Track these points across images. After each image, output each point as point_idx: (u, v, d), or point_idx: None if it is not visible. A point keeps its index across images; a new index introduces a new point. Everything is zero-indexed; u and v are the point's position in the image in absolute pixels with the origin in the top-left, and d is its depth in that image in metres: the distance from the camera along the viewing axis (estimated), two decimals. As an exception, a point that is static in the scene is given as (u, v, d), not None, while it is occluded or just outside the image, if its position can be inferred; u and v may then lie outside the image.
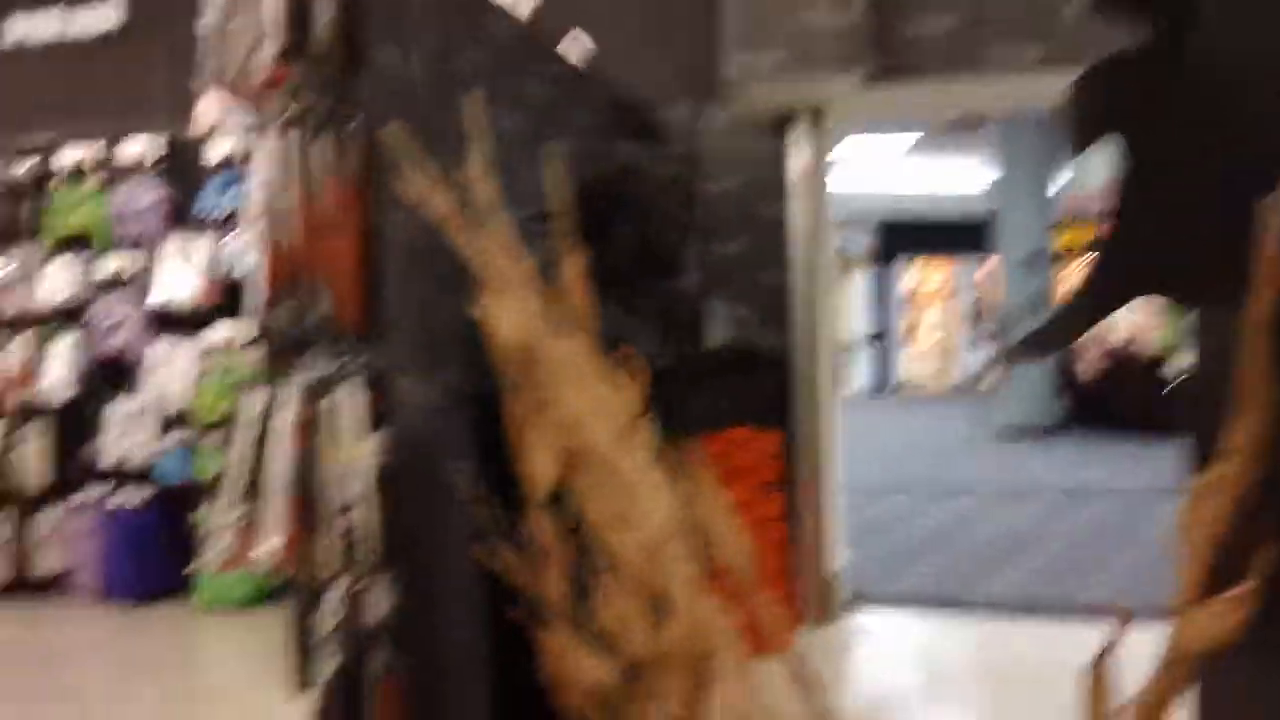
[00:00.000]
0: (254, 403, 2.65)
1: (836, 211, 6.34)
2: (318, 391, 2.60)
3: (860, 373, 22.62)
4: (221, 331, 6.42)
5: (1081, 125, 1.94)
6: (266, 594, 6.39)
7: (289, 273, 2.62)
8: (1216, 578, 1.62)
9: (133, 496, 6.60)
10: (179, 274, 6.53)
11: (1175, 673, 1.68)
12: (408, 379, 2.56)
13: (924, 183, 20.60)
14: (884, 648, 5.75)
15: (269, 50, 2.73)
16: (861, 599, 6.43)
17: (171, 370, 6.47)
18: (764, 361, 5.90)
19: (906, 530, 8.65)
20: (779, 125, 5.94)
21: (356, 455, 2.54)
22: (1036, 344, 2.07)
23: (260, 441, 2.61)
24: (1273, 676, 1.60)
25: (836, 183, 6.31)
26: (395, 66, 2.67)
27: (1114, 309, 1.91)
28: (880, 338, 22.90)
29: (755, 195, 5.98)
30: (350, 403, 2.56)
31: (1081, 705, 1.80)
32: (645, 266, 3.56)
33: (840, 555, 6.22)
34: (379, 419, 2.59)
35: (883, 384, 22.85)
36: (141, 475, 6.61)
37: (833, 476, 6.14)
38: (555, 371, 2.38)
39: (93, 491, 6.69)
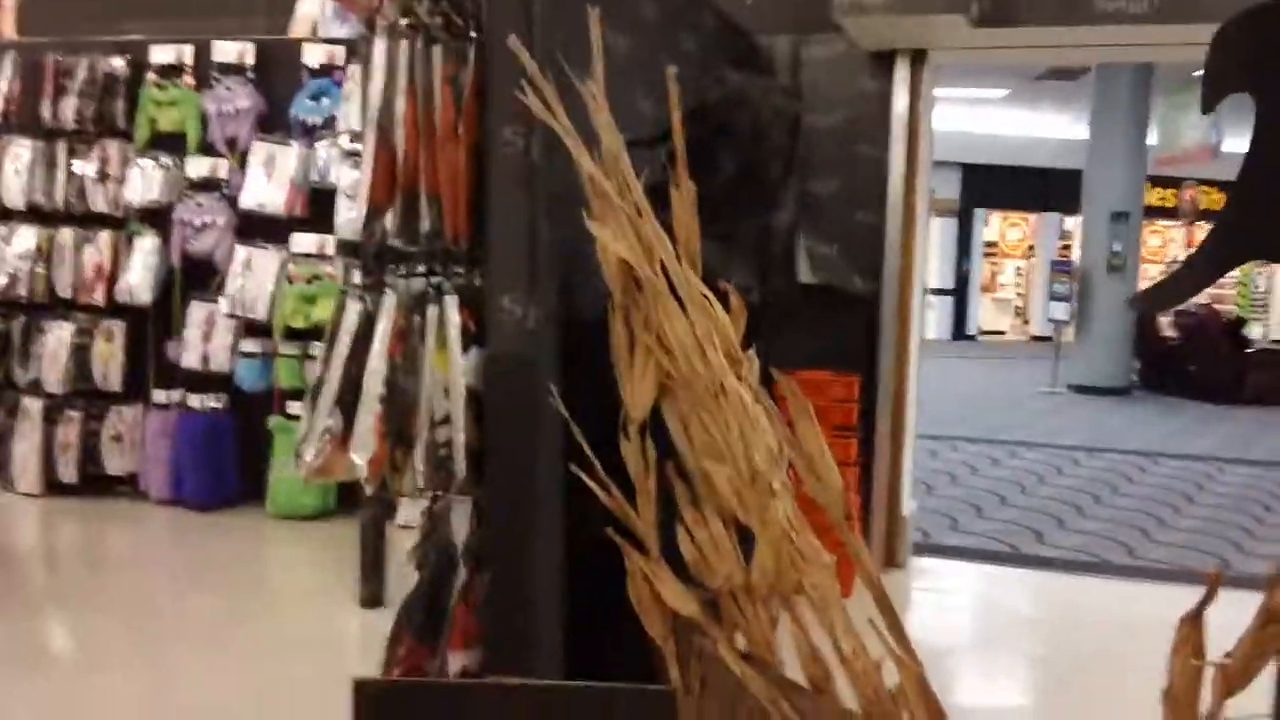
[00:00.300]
0: (352, 312, 2.64)
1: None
2: (417, 305, 2.59)
3: (939, 319, 22.42)
4: (308, 240, 6.43)
5: (1215, 79, 1.87)
6: (336, 505, 6.47)
7: (395, 183, 2.60)
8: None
9: (209, 400, 6.63)
10: (269, 180, 6.53)
11: (1269, 632, 1.63)
12: (508, 297, 2.54)
13: (1014, 133, 20.21)
14: (948, 596, 5.72)
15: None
16: (929, 546, 6.41)
17: (256, 276, 6.49)
18: (852, 304, 5.83)
19: (977, 480, 8.59)
20: (883, 63, 5.82)
21: (452, 371, 2.54)
22: (1155, 297, 2.00)
23: (355, 352, 2.61)
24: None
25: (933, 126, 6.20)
26: (513, -23, 2.61)
27: (1233, 268, 1.85)
28: (961, 285, 22.64)
29: (856, 133, 5.86)
30: (449, 318, 2.55)
31: (1172, 662, 1.77)
32: (747, 199, 3.50)
33: (910, 502, 6.17)
34: (476, 336, 2.58)
35: (960, 331, 22.63)
36: (219, 380, 6.63)
37: (909, 424, 6.07)
38: (661, 296, 2.35)
39: (169, 393, 6.71)
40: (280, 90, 6.72)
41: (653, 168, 3.06)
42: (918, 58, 5.81)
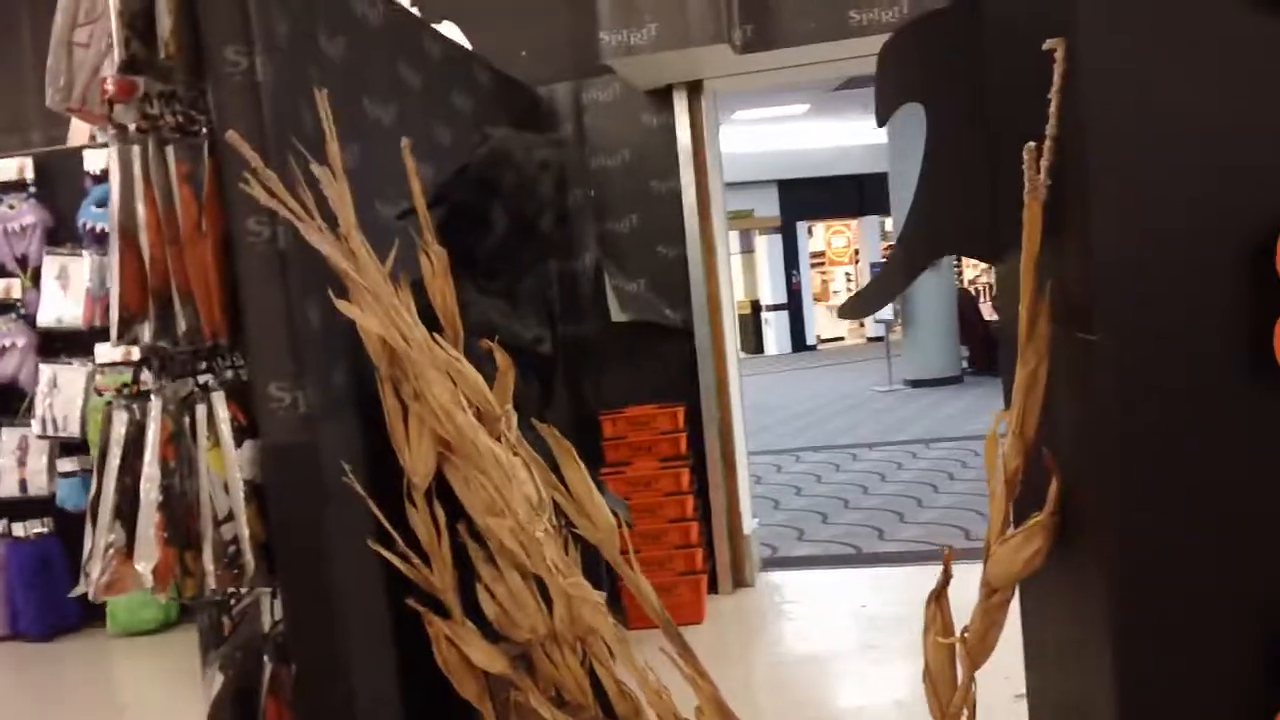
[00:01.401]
0: (119, 423, 2.61)
1: (740, 176, 6.37)
2: (184, 406, 2.58)
3: (777, 334, 22.89)
4: (111, 350, 6.27)
5: (885, 93, 2.00)
6: (179, 615, 6.29)
7: (147, 287, 2.58)
8: (1023, 514, 1.70)
9: (34, 527, 6.40)
10: (65, 293, 6.37)
11: (993, 603, 1.76)
12: (274, 384, 2.54)
13: (823, 144, 20.79)
14: (798, 606, 5.83)
15: (112, 63, 2.68)
16: (776, 560, 6.54)
17: (64, 393, 6.31)
18: (667, 336, 5.95)
19: (821, 488, 8.77)
20: (662, 98, 5.98)
21: (227, 467, 2.52)
22: (857, 306, 2.13)
23: (127, 462, 2.58)
24: (1078, 596, 1.67)
25: (736, 148, 6.36)
26: (243, 70, 2.63)
27: (925, 268, 1.99)
28: (794, 298, 23.13)
29: (645, 169, 6.00)
30: (218, 414, 2.53)
31: (925, 643, 1.88)
32: (526, 252, 3.55)
33: (751, 521, 6.29)
34: (249, 428, 2.57)
35: (800, 343, 23.11)
36: (42, 504, 6.40)
37: (739, 444, 6.19)
38: (420, 365, 2.39)
39: (-12, 526, 6.44)
40: (65, 200, 6.56)
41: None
42: (693, 89, 5.96)
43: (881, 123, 1.97)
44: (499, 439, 2.38)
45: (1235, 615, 1.38)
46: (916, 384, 14.49)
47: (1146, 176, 1.33)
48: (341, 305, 2.42)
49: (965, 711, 1.84)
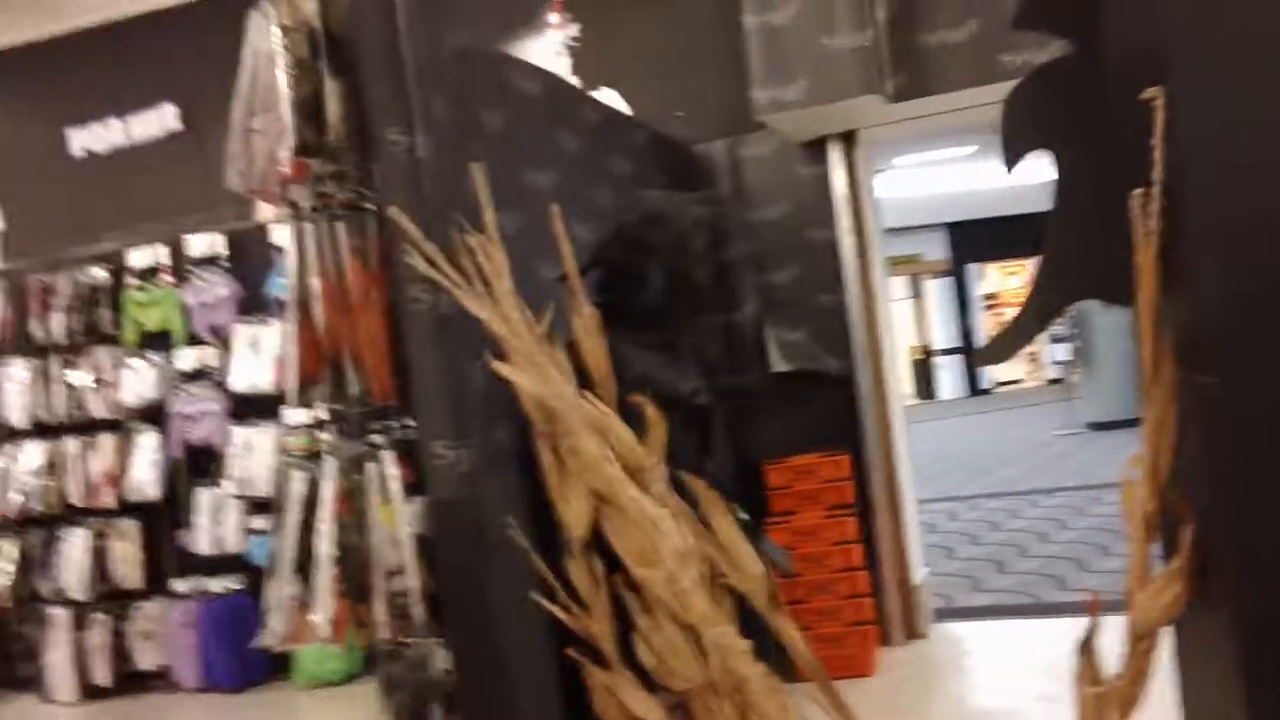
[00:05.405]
0: (296, 481, 2.79)
1: (905, 221, 6.31)
2: (356, 464, 2.73)
3: (951, 378, 22.44)
4: (301, 412, 6.58)
5: (1011, 140, 2.02)
6: (363, 666, 6.53)
7: (321, 353, 2.76)
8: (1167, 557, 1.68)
9: (227, 583, 6.79)
10: (255, 360, 6.75)
11: (1139, 650, 1.73)
12: (440, 443, 2.67)
13: (991, 185, 20.37)
14: (973, 658, 5.72)
15: (287, 146, 2.89)
16: (951, 611, 6.42)
17: (255, 455, 6.66)
18: (829, 384, 5.95)
19: (997, 535, 8.56)
20: (816, 149, 6.02)
21: (398, 523, 2.66)
22: (992, 353, 2.14)
23: (305, 518, 2.74)
24: (1217, 641, 1.64)
25: (900, 193, 6.32)
26: (405, 148, 2.80)
27: (1059, 314, 1.99)
28: (968, 341, 22.67)
29: (803, 220, 6.05)
30: (388, 472, 2.68)
31: (1076, 693, 1.86)
32: (681, 305, 3.65)
33: (921, 570, 6.20)
34: (417, 485, 2.71)
35: (974, 387, 22.61)
36: (234, 560, 6.78)
37: (906, 492, 6.13)
38: (572, 421, 2.48)
39: (188, 582, 6.87)
40: (254, 273, 6.99)
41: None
42: (847, 138, 5.99)
43: (1010, 169, 1.99)
44: (647, 491, 2.46)
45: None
46: (1098, 426, 13.98)
47: (1248, 218, 1.33)
48: (497, 366, 2.55)
49: (1119, 760, 1.82)
